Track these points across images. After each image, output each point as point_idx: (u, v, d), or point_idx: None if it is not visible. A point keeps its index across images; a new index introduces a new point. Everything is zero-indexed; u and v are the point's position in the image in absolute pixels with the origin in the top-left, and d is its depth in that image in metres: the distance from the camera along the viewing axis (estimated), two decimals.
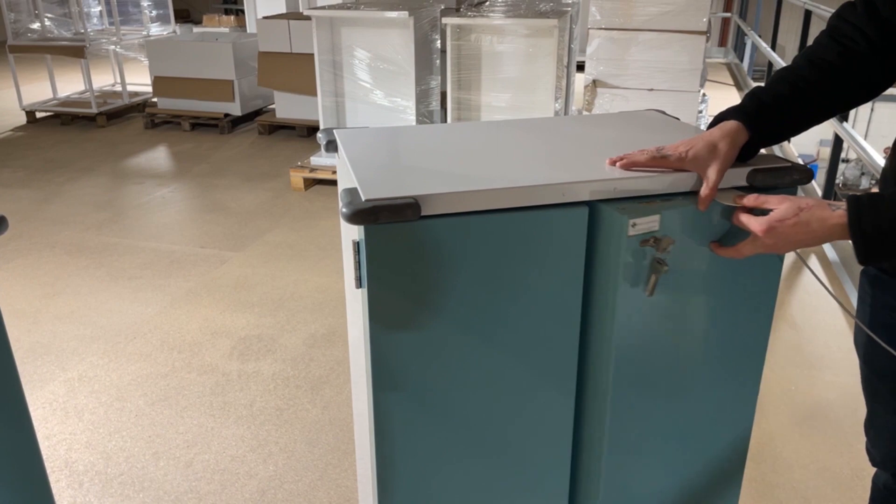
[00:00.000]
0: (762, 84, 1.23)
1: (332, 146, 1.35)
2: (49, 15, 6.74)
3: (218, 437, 2.34)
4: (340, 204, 1.04)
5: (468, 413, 1.19)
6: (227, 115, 6.19)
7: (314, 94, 4.72)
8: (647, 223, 1.05)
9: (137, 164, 5.30)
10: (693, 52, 3.80)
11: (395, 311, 1.10)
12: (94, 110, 6.34)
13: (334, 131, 1.37)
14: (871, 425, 1.40)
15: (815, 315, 3.09)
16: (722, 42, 11.32)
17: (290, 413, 2.45)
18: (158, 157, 5.52)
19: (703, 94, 6.12)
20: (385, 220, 1.01)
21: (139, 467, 2.20)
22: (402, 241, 1.05)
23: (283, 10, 7.22)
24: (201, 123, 6.28)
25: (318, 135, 1.39)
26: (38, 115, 6.66)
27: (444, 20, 4.34)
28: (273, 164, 5.30)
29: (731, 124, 1.13)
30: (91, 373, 2.69)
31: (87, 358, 2.79)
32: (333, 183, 4.76)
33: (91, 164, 5.31)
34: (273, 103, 6.28)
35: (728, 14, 10.86)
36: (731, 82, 8.62)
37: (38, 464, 1.21)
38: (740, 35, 9.77)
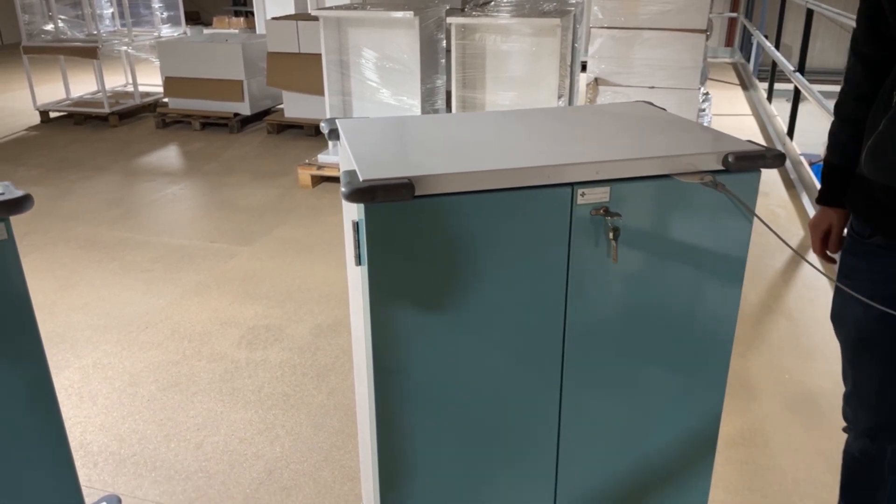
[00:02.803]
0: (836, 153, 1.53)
1: (334, 135, 1.43)
2: (62, 17, 6.87)
3: (227, 420, 2.42)
4: (341, 185, 1.12)
5: (463, 383, 1.26)
6: (236, 114, 6.29)
7: (322, 93, 4.80)
8: (597, 194, 1.13)
9: (149, 163, 5.41)
10: (693, 50, 3.86)
11: (392, 287, 1.17)
12: (107, 110, 6.45)
13: (336, 120, 1.45)
14: (853, 394, 1.50)
15: (812, 308, 3.15)
16: (728, 42, 11.35)
17: (296, 398, 2.54)
18: (169, 155, 5.62)
19: (707, 94, 6.18)
20: (381, 198, 1.09)
21: (151, 448, 2.29)
22: (399, 219, 1.13)
23: (293, 12, 7.32)
24: (211, 123, 6.39)
25: (322, 124, 1.47)
26: (52, 114, 6.78)
27: (449, 20, 4.43)
28: (281, 162, 5.39)
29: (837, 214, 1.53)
30: (105, 360, 2.79)
31: (101, 346, 2.89)
32: (340, 181, 4.84)
33: (104, 162, 5.41)
34: (282, 103, 6.38)
35: (734, 14, 10.89)
36: (737, 82, 8.66)
37: (65, 446, 1.29)
38: (746, 35, 9.81)
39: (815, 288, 3.33)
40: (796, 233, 4.00)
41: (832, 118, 1.53)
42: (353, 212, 1.22)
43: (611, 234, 1.19)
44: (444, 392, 1.26)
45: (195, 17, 13.43)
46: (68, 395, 2.56)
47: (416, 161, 1.20)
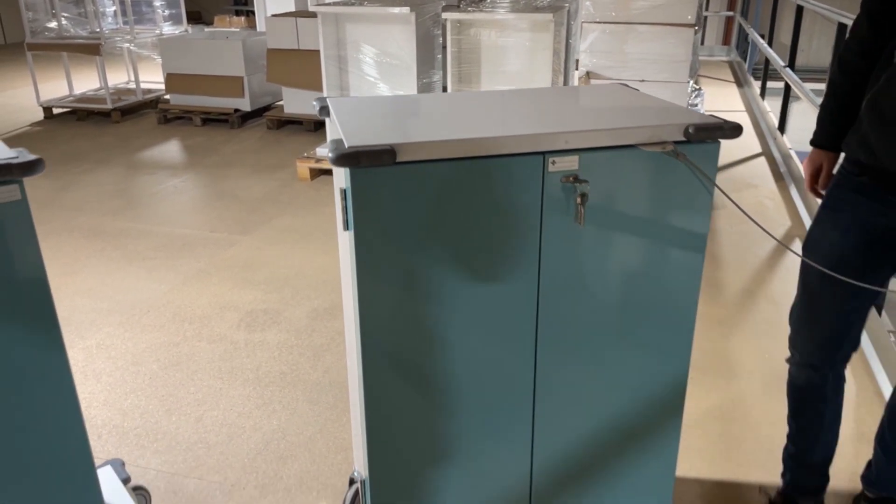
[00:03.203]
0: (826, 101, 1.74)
1: (325, 111, 1.52)
2: (65, 14, 6.96)
3: (226, 396, 2.52)
4: (328, 152, 1.21)
5: (444, 339, 1.35)
6: (237, 110, 6.38)
7: (320, 89, 4.90)
8: (566, 163, 1.22)
9: (151, 157, 5.50)
10: (682, 44, 3.95)
11: (377, 249, 1.27)
12: (109, 106, 6.55)
13: (326, 98, 1.54)
14: (804, 330, 1.73)
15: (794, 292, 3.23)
16: (725, 41, 11.44)
17: (293, 376, 2.63)
18: (171, 150, 5.72)
19: (699, 89, 6.26)
20: (366, 163, 1.18)
21: (153, 422, 2.38)
22: (382, 184, 1.22)
23: (292, 10, 7.42)
24: (212, 119, 6.48)
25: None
26: (56, 110, 6.88)
27: (445, 15, 4.52)
28: (281, 156, 5.49)
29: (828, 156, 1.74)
30: (108, 341, 2.88)
31: (104, 328, 2.98)
32: None
33: (106, 156, 5.51)
34: (281, 100, 6.48)
35: (731, 13, 10.99)
36: (732, 79, 8.75)
37: (78, 419, 1.38)
38: (743, 34, 9.89)
39: (797, 273, 3.42)
40: (783, 223, 4.09)
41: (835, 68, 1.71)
42: (340, 180, 1.31)
43: (578, 200, 1.28)
44: (428, 351, 1.36)
45: (196, 17, 13.53)
46: (73, 374, 2.65)
47: (398, 130, 1.29)
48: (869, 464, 1.92)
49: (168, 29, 7.52)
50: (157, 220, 4.18)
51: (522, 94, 1.65)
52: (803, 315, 1.74)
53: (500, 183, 1.26)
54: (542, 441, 1.52)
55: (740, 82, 8.48)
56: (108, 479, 1.81)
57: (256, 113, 6.58)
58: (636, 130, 1.29)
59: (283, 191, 4.69)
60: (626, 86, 1.72)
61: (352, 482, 1.93)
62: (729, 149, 5.61)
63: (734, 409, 2.44)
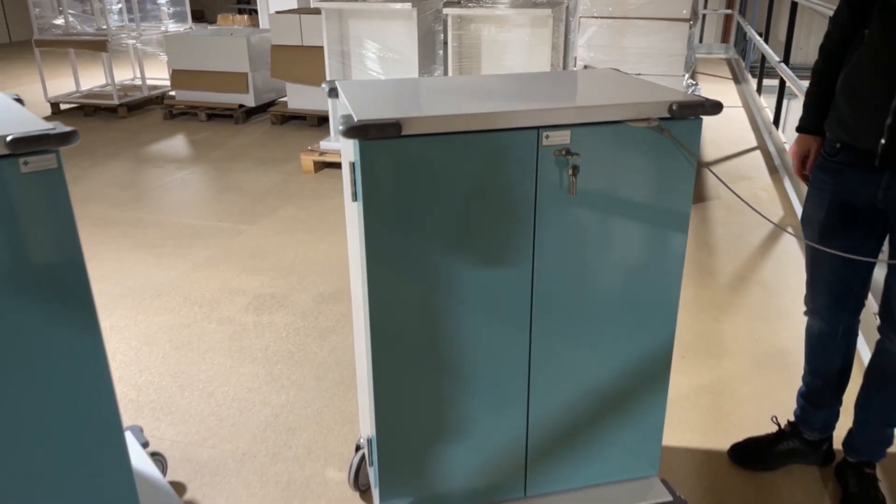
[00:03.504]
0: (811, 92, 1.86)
1: (333, 93, 1.62)
2: (71, 11, 7.08)
3: (236, 374, 2.62)
4: (339, 125, 1.32)
5: (448, 300, 1.46)
6: (241, 105, 6.49)
7: None
8: (560, 137, 1.33)
9: (158, 151, 5.61)
10: (677, 38, 4.05)
11: (384, 216, 1.37)
12: (116, 102, 6.66)
13: (335, 81, 1.64)
14: (812, 287, 1.89)
15: (785, 277, 3.34)
16: (724, 38, 11.53)
17: (300, 355, 2.73)
18: (177, 144, 5.83)
19: (695, 83, 6.35)
20: (374, 135, 1.29)
21: (167, 397, 2.49)
22: (389, 155, 1.33)
23: (295, 7, 7.53)
24: (217, 114, 6.59)
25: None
26: (63, 106, 6.99)
27: (446, 11, 4.63)
28: (285, 150, 5.59)
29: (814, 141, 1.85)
30: (121, 323, 2.98)
31: (117, 312, 3.09)
32: (341, 166, 5.04)
33: (114, 150, 5.62)
34: (284, 96, 6.58)
35: (729, 11, 11.08)
36: (730, 76, 8.85)
37: (108, 381, 1.48)
38: (741, 32, 9.99)
39: (788, 260, 3.52)
40: (776, 212, 4.19)
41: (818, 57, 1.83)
42: (349, 153, 1.42)
43: (570, 171, 1.38)
44: (431, 312, 1.46)
45: (199, 16, 13.64)
46: None
47: (404, 107, 1.39)
48: (850, 431, 2.02)
49: (172, 27, 7.64)
50: (166, 211, 4.29)
51: (520, 76, 1.75)
52: (808, 277, 1.91)
53: (497, 155, 1.37)
54: (536, 403, 1.62)
55: (738, 79, 8.58)
56: (128, 443, 1.91)
57: (260, 108, 6.69)
58: (624, 107, 1.39)
59: (287, 183, 4.80)
60: (618, 70, 1.83)
61: (358, 448, 2.03)
62: (726, 143, 5.72)
63: (724, 387, 2.54)
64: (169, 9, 7.60)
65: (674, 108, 1.40)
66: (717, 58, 10.41)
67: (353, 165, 1.39)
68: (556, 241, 1.45)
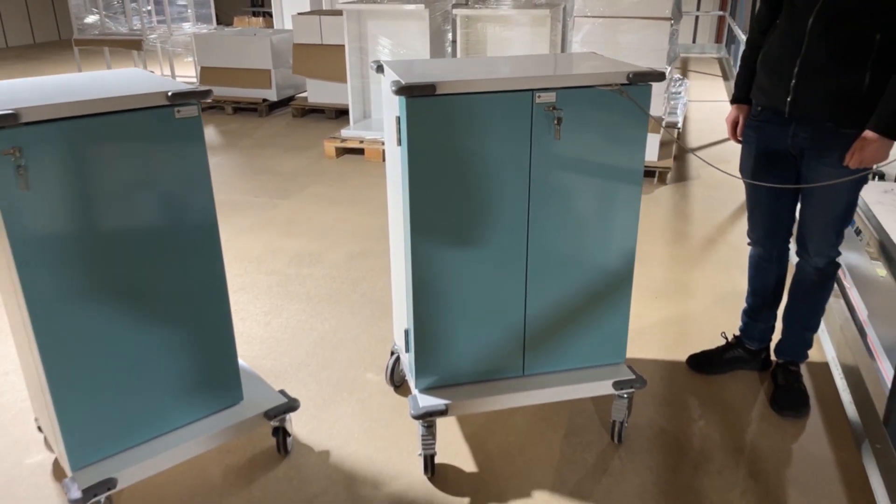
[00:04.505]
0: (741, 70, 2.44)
1: (380, 69, 2.17)
2: (106, 13, 7.65)
3: (286, 310, 3.17)
4: (391, 87, 1.86)
5: (471, 216, 2.00)
6: (264, 100, 7.05)
7: (342, 80, 5.55)
8: (548, 97, 1.87)
9: None
10: (661, 35, 4.60)
11: (423, 156, 1.91)
12: None
13: (381, 60, 2.19)
14: (751, 221, 2.45)
15: None
16: (718, 39, 12.08)
17: (337, 296, 3.28)
18: (208, 134, 6.38)
19: (681, 78, 6.90)
20: (417, 94, 1.83)
21: None
22: (427, 109, 1.87)
23: (307, 10, 8.09)
24: (242, 108, 7.15)
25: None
26: None
27: (455, 11, 5.19)
28: (307, 139, 6.15)
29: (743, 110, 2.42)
30: None
31: None
32: (360, 152, 5.60)
33: None
34: (303, 91, 7.14)
35: (722, 13, 11.63)
36: (720, 74, 9.40)
37: (226, 300, 2.03)
38: (732, 32, 10.53)
39: None
40: (740, 184, 4.73)
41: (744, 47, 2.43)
42: (394, 109, 1.96)
43: (556, 122, 1.92)
44: (457, 225, 2.00)
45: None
46: None
47: (437, 75, 1.94)
48: (780, 339, 2.57)
49: (198, 28, 8.21)
50: None
51: (520, 57, 2.30)
52: (748, 213, 2.47)
53: (503, 110, 1.91)
54: (532, 299, 2.16)
55: (727, 76, 9.13)
56: None
57: (282, 103, 7.25)
58: (595, 76, 1.93)
59: (312, 166, 5.35)
60: (596, 53, 2.37)
61: (392, 353, 2.57)
62: (711, 131, 6.25)
63: (687, 318, 3.08)
64: (195, 11, 8.17)
65: (630, 76, 1.94)
66: (709, 57, 10.96)
67: (398, 119, 1.94)
68: (546, 171, 1.99)
